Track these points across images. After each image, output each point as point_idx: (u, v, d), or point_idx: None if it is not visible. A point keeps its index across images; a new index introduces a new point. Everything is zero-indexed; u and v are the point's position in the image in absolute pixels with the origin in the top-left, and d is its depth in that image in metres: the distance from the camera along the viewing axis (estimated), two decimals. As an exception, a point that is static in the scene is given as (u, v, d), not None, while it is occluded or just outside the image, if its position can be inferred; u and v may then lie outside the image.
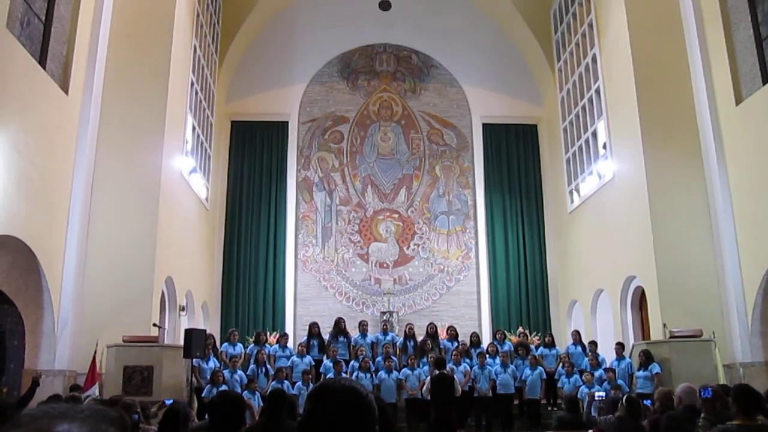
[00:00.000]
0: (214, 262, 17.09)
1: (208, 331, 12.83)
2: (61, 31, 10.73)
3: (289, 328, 16.32)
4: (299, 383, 11.86)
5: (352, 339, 13.71)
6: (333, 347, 13.00)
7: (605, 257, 14.50)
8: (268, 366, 12.40)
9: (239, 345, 13.07)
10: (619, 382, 11.24)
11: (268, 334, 14.32)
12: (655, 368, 11.08)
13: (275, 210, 17.77)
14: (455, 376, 11.10)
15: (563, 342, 15.06)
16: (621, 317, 13.81)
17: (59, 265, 10.58)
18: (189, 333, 10.95)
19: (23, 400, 8.12)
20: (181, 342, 11.42)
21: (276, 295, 17.22)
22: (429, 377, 11.05)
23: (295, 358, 12.77)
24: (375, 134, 18.60)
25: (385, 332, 14.02)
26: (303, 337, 14.15)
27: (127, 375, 10.58)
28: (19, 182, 9.03)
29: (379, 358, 12.81)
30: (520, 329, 15.68)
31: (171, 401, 8.59)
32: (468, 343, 13.53)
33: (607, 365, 12.26)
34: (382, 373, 12.27)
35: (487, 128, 18.62)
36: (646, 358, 11.25)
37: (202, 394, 11.12)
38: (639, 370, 11.38)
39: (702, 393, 5.48)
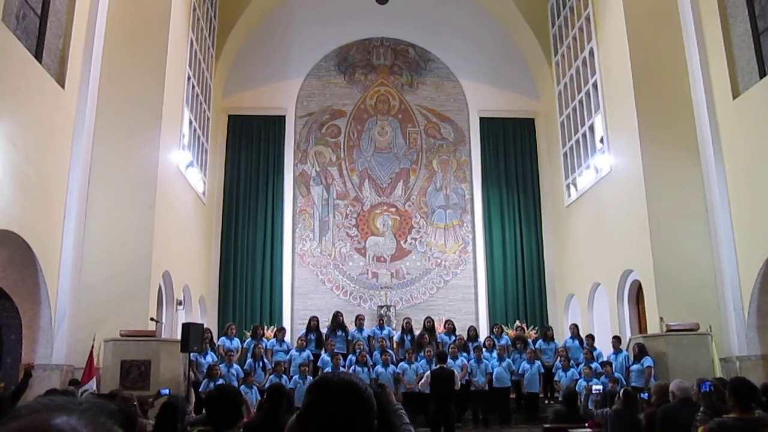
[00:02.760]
0: (211, 256, 17.08)
1: (205, 326, 12.83)
2: (57, 24, 10.68)
3: (286, 323, 16.33)
4: (296, 377, 11.89)
5: (350, 333, 13.74)
6: (331, 341, 13.03)
7: (602, 251, 14.52)
8: (265, 360, 12.42)
9: (236, 339, 13.09)
10: (617, 375, 11.27)
11: (265, 328, 14.33)
12: (647, 362, 11.13)
13: (272, 204, 17.76)
14: (455, 370, 11.14)
15: (560, 336, 15.09)
16: (618, 311, 13.83)
17: (56, 259, 10.56)
18: (186, 327, 10.94)
19: (17, 392, 8.13)
20: (179, 336, 11.40)
21: (273, 290, 17.23)
22: (429, 371, 11.08)
23: (293, 351, 12.80)
24: (372, 128, 18.59)
25: (381, 326, 14.05)
26: (300, 331, 14.18)
27: (124, 369, 10.59)
28: (16, 176, 9.00)
29: (376, 352, 12.84)
30: (517, 323, 15.72)
31: (167, 391, 8.61)
32: (465, 337, 13.56)
33: (604, 359, 12.30)
34: (379, 367, 12.29)
35: (485, 122, 18.62)
36: (640, 352, 11.30)
37: (199, 389, 11.14)
38: (633, 363, 11.43)
39: (701, 387, 5.49)
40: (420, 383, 11.67)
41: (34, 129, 9.61)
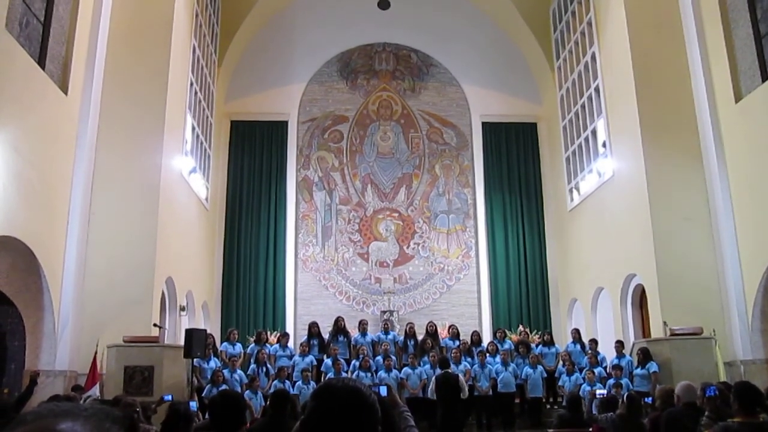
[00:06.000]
0: (214, 261, 17.09)
1: (208, 331, 12.83)
2: (60, 31, 10.71)
3: (289, 328, 16.31)
4: (299, 382, 11.88)
5: (353, 338, 13.73)
6: (333, 347, 13.01)
7: (605, 255, 14.50)
8: (268, 365, 12.41)
9: (239, 344, 13.08)
10: (623, 380, 11.22)
11: (268, 333, 14.32)
12: (653, 367, 11.07)
13: (275, 209, 17.76)
14: (459, 375, 11.13)
15: (564, 340, 15.05)
16: (621, 315, 13.80)
17: (59, 265, 10.57)
18: (189, 333, 10.95)
19: (22, 399, 8.13)
20: (182, 342, 11.41)
21: (276, 295, 17.22)
22: (433, 377, 11.07)
23: (297, 357, 12.78)
24: (374, 133, 18.60)
25: (386, 331, 14.03)
26: (303, 336, 14.16)
27: (127, 375, 10.57)
28: (19, 183, 9.02)
29: (379, 357, 12.82)
30: (521, 328, 15.69)
31: (170, 397, 8.60)
32: (469, 342, 13.54)
33: (607, 363, 12.26)
34: (382, 373, 12.26)
35: (487, 127, 18.62)
36: (644, 356, 11.24)
37: (203, 394, 11.13)
38: (637, 368, 11.38)
39: (707, 391, 5.47)
40: (423, 388, 11.69)
41: (37, 135, 9.63)
